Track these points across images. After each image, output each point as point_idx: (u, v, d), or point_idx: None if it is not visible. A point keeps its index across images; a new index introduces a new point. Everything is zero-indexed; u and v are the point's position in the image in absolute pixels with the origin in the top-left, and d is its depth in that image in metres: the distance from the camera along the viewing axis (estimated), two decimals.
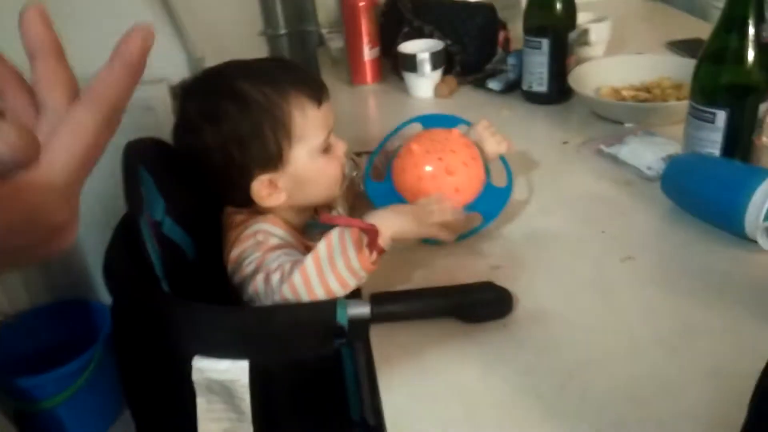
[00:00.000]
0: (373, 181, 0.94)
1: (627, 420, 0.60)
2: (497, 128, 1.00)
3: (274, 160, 0.84)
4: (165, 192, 0.91)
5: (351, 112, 1.45)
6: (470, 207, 0.89)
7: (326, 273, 0.73)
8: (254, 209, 0.89)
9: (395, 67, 1.51)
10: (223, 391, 0.75)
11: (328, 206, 0.99)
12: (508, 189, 0.92)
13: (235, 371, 0.73)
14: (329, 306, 0.72)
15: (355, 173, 0.95)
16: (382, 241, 0.74)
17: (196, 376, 0.74)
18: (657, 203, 0.91)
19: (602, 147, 1.06)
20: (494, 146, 0.97)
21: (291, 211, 0.90)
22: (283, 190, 0.86)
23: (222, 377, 0.74)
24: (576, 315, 0.73)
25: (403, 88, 1.48)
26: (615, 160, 1.03)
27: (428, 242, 0.86)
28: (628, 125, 1.13)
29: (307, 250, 0.81)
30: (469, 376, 0.67)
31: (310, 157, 0.86)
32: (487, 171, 0.93)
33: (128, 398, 0.88)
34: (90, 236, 0.98)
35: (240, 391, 0.74)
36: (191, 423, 0.76)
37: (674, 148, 0.98)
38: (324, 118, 0.86)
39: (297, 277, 0.73)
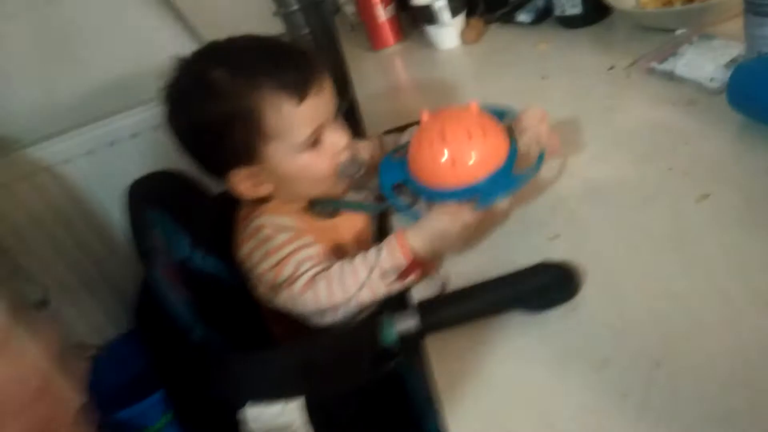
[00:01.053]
0: (390, 160, 0.84)
1: (738, 410, 0.49)
2: (534, 68, 0.87)
3: (246, 156, 0.78)
4: (187, 224, 0.87)
5: (377, 81, 1.35)
6: (474, 189, 0.75)
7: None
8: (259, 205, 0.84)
9: (416, 20, 1.40)
10: None
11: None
12: (526, 176, 0.76)
13: (289, 413, 0.68)
14: (373, 327, 0.65)
15: (361, 173, 0.84)
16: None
17: (252, 426, 0.70)
18: (726, 121, 0.78)
19: (654, 65, 0.93)
20: (532, 140, 0.79)
21: (290, 198, 0.84)
22: (266, 182, 0.80)
23: (277, 422, 0.69)
24: (654, 280, 0.63)
25: (428, 43, 1.36)
26: (671, 77, 0.89)
27: None
28: (679, 32, 0.98)
29: (316, 230, 0.80)
30: (540, 378, 0.58)
31: (290, 154, 0.78)
32: (512, 156, 0.76)
33: None
34: None
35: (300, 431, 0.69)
36: None
37: (738, 50, 0.84)
38: (309, 113, 0.77)
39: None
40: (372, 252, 0.74)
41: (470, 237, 0.75)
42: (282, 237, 0.78)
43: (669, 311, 0.59)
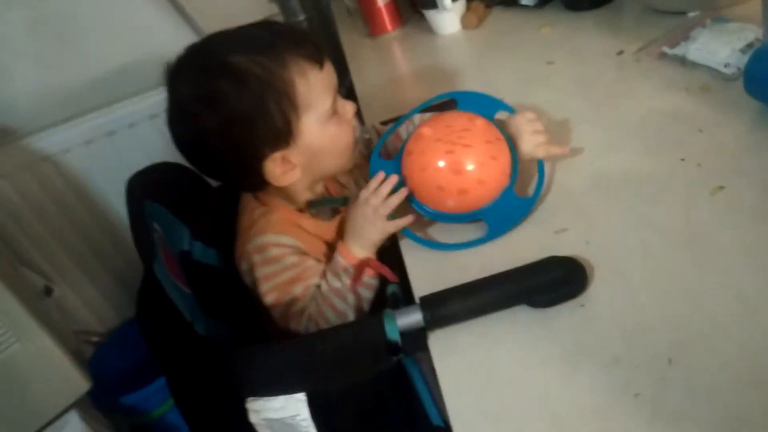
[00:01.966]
0: (379, 157, 0.80)
1: (749, 412, 0.48)
2: (538, 53, 0.85)
3: (283, 136, 0.76)
4: (186, 216, 0.85)
5: (375, 68, 1.32)
6: (478, 214, 0.74)
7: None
8: (263, 197, 0.84)
9: (415, 5, 1.37)
10: (285, 428, 0.69)
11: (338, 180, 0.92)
12: (529, 202, 0.75)
13: (292, 407, 0.67)
14: (376, 323, 0.63)
15: (367, 136, 0.84)
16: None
17: (253, 418, 0.69)
18: (742, 108, 0.75)
19: (665, 49, 0.90)
20: (530, 147, 0.79)
21: (302, 189, 0.83)
22: (298, 166, 0.79)
23: (280, 415, 0.68)
24: (665, 277, 0.61)
25: (428, 28, 1.33)
26: (683, 62, 0.87)
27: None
28: (692, 14, 0.95)
29: (317, 235, 0.82)
30: (547, 378, 0.57)
31: (320, 125, 0.78)
32: (514, 174, 0.75)
33: None
34: None
35: (303, 425, 0.68)
36: None
37: (754, 34, 0.81)
38: (328, 79, 0.78)
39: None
40: (329, 276, 0.78)
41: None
42: (283, 263, 0.79)
43: (681, 309, 0.57)
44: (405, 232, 0.78)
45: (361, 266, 0.77)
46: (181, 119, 0.77)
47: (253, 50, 0.74)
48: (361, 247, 0.77)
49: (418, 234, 0.78)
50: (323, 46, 0.78)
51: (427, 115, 0.90)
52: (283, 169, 0.78)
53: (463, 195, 0.73)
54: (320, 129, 0.78)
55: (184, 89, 0.76)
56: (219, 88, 0.73)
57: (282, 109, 0.74)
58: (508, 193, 0.74)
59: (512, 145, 0.76)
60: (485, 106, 0.80)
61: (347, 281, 0.76)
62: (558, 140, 0.84)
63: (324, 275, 0.78)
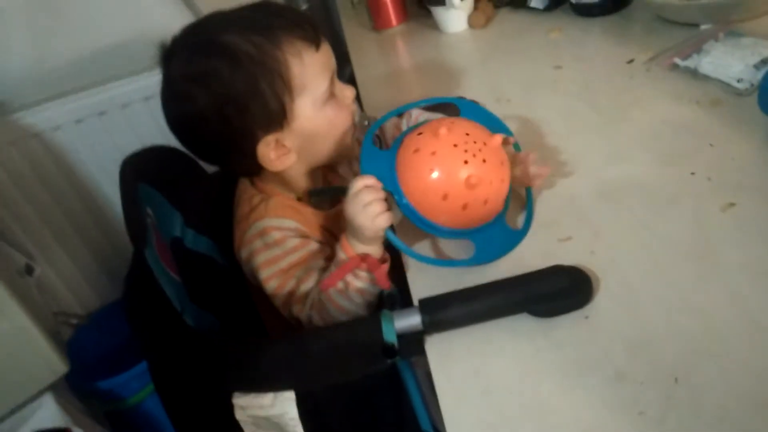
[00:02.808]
0: (372, 145, 0.74)
1: None
2: (546, 57, 0.83)
3: (276, 118, 0.74)
4: (180, 202, 0.83)
5: (378, 62, 1.30)
6: (466, 234, 0.70)
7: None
8: (260, 184, 0.82)
9: (421, 0, 1.35)
10: (272, 426, 0.67)
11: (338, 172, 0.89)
12: (518, 235, 0.71)
13: (281, 405, 0.65)
14: (372, 324, 0.61)
15: (366, 123, 0.81)
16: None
17: (239, 415, 0.66)
18: (755, 124, 0.74)
19: (677, 60, 0.88)
20: (522, 173, 0.75)
21: (299, 175, 0.81)
22: (292, 150, 0.77)
23: (268, 413, 0.66)
24: (673, 293, 0.59)
25: (434, 25, 1.31)
26: (694, 74, 0.85)
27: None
28: (704, 27, 0.94)
29: (318, 224, 0.80)
30: (548, 389, 0.55)
31: (316, 108, 0.75)
32: (507, 202, 0.72)
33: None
34: None
35: (291, 424, 0.66)
36: None
37: None
38: (325, 61, 0.76)
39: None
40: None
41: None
42: (285, 246, 0.76)
43: (689, 326, 0.56)
44: (388, 234, 0.70)
45: (356, 261, 0.72)
46: (174, 98, 0.75)
47: (248, 30, 0.72)
48: (359, 241, 0.73)
49: (400, 238, 0.71)
50: (320, 27, 0.76)
51: (429, 114, 0.87)
52: (277, 153, 0.76)
53: (464, 210, 0.67)
54: (316, 112, 0.76)
55: (177, 68, 0.74)
56: (211, 66, 0.72)
57: (275, 89, 0.72)
58: (500, 220, 0.71)
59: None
60: (487, 122, 0.75)
61: (350, 279, 0.72)
62: (562, 145, 0.83)
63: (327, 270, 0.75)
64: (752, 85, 0.78)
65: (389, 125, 0.90)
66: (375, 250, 0.72)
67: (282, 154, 0.76)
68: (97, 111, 1.45)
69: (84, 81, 1.44)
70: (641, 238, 0.66)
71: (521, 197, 0.76)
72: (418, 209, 0.68)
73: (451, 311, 0.62)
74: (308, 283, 0.75)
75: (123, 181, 0.73)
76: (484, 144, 0.67)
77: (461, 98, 0.83)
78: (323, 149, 0.79)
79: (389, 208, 0.69)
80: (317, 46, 0.75)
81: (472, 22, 1.26)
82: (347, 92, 0.80)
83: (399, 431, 0.73)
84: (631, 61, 0.95)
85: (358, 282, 0.71)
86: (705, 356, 0.53)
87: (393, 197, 0.69)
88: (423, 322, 0.61)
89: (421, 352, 0.62)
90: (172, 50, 0.75)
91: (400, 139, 0.72)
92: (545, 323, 0.60)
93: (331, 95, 0.77)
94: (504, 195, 0.70)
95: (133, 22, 1.41)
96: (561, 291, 0.61)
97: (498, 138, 0.68)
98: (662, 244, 0.64)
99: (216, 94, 0.72)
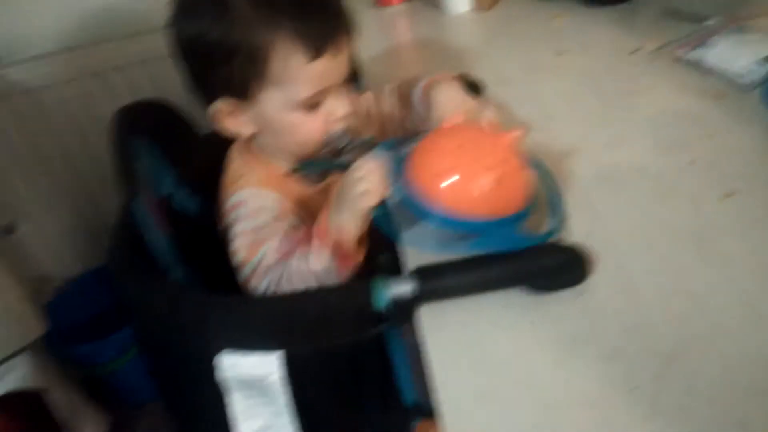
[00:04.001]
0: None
1: (750, 418, 0.46)
2: (549, 43, 0.82)
3: (236, 92, 0.71)
4: (173, 160, 0.81)
5: (378, 40, 1.28)
6: (477, 227, 0.64)
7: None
8: (250, 153, 0.79)
9: None
10: (256, 386, 0.66)
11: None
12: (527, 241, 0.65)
13: (266, 365, 0.64)
14: (364, 289, 0.61)
15: (343, 145, 0.77)
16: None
17: (223, 374, 0.65)
18: (756, 119, 0.74)
19: (682, 52, 0.88)
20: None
21: (275, 150, 0.79)
22: (250, 123, 0.74)
23: (252, 372, 0.65)
24: (670, 276, 0.59)
25: (436, 5, 1.30)
26: (699, 67, 0.85)
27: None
28: (711, 21, 0.94)
29: (304, 198, 0.77)
30: (542, 362, 0.54)
31: (285, 107, 0.72)
32: (527, 210, 0.66)
33: (159, 393, 0.81)
34: None
35: (275, 386, 0.65)
36: (223, 420, 0.68)
37: None
38: (317, 73, 0.70)
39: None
40: (298, 254, 0.70)
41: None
42: (260, 219, 0.74)
43: (685, 310, 0.55)
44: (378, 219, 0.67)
45: (323, 237, 0.69)
46: (170, 18, 0.73)
47: (265, 3, 0.68)
48: (337, 211, 0.68)
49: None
50: (336, 39, 0.70)
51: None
52: (232, 119, 0.74)
53: (486, 197, 0.62)
54: (281, 111, 0.72)
55: None
56: (201, 6, 0.70)
57: (245, 68, 0.69)
58: (511, 225, 0.65)
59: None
60: None
61: (311, 258, 0.68)
62: (563, 129, 0.82)
63: (297, 250, 0.71)
64: (757, 80, 0.78)
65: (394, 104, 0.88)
66: (350, 227, 0.68)
67: (240, 123, 0.74)
68: (90, 71, 1.42)
69: (79, 40, 1.41)
70: (639, 222, 0.66)
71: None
72: (444, 201, 0.63)
73: (446, 280, 0.61)
74: (269, 261, 0.71)
75: (116, 132, 0.72)
76: (494, 145, 0.65)
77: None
78: (278, 143, 0.77)
79: (382, 194, 0.66)
80: (316, 56, 0.69)
81: (477, 4, 1.25)
82: (336, 108, 0.74)
83: (383, 403, 0.73)
84: (636, 50, 0.95)
85: (317, 264, 0.68)
86: (699, 340, 0.53)
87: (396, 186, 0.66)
88: (417, 289, 0.61)
89: (412, 320, 0.62)
90: None
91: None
92: (541, 298, 0.60)
93: (313, 105, 0.73)
94: (511, 203, 0.65)
95: None
96: (558, 267, 0.60)
97: (507, 138, 0.65)
98: (660, 229, 0.64)
99: (196, 33, 0.70)
